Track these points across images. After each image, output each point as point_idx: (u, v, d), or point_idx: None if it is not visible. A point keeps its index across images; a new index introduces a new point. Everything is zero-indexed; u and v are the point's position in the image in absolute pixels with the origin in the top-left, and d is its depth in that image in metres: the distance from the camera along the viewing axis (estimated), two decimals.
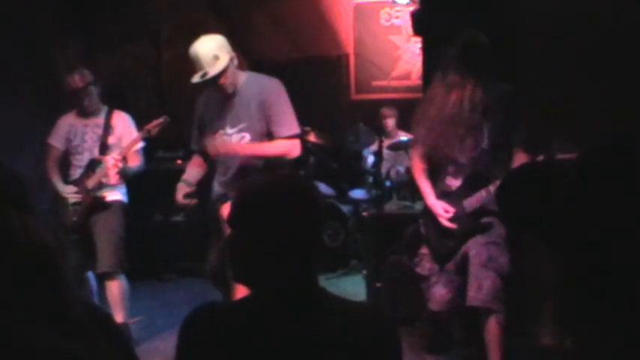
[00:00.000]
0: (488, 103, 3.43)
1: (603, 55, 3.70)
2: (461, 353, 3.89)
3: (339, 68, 8.31)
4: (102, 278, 4.36)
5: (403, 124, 6.81)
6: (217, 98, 3.77)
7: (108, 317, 1.73)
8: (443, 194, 3.59)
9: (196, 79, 3.63)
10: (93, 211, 4.36)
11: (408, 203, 5.68)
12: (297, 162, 3.77)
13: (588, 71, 3.73)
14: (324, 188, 6.97)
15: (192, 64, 3.63)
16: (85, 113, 4.47)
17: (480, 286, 3.33)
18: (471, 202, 3.46)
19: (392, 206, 5.62)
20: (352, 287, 5.86)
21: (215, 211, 3.78)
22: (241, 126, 3.70)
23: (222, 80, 3.63)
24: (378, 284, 4.77)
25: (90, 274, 4.45)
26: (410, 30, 5.85)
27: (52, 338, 1.37)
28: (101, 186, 4.36)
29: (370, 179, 6.67)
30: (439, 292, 3.58)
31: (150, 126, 4.31)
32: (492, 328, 3.35)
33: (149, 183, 5.42)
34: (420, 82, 6.38)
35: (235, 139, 3.72)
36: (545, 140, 3.16)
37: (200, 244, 3.96)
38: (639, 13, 3.59)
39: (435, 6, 4.36)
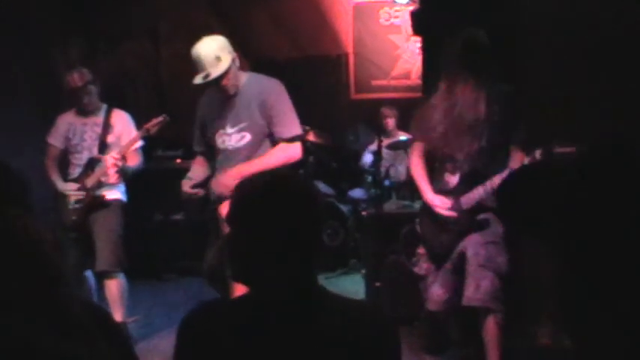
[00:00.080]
0: (488, 102, 3.43)
1: (603, 55, 3.70)
2: (459, 353, 3.89)
3: (338, 67, 8.30)
4: (101, 277, 4.36)
5: (403, 124, 6.80)
6: (218, 98, 3.77)
7: (107, 316, 1.73)
8: (441, 191, 3.59)
9: (198, 80, 3.62)
10: (92, 209, 4.36)
11: (407, 203, 5.69)
12: (297, 161, 3.76)
13: (588, 71, 3.73)
14: (323, 187, 6.97)
15: (193, 65, 3.63)
16: (85, 112, 4.47)
17: (478, 286, 3.33)
18: (468, 199, 3.46)
19: (391, 206, 5.63)
20: (351, 286, 5.86)
21: (214, 211, 3.77)
22: (241, 125, 3.69)
23: (224, 81, 3.63)
24: (377, 284, 4.77)
25: (89, 273, 4.45)
26: (409, 29, 5.86)
27: (52, 338, 1.37)
28: (100, 185, 4.36)
29: (369, 179, 6.67)
30: (436, 292, 3.58)
31: (149, 125, 4.31)
32: (491, 328, 3.35)
33: (148, 182, 5.42)
34: (419, 81, 6.39)
35: (235, 139, 3.71)
36: (545, 140, 3.16)
37: (199, 243, 3.95)
38: (639, 13, 3.59)
39: (435, 5, 4.37)
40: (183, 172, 4.01)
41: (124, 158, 4.28)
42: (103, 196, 4.38)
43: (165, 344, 4.21)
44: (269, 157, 3.63)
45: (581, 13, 3.72)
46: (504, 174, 3.29)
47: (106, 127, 4.45)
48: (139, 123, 4.46)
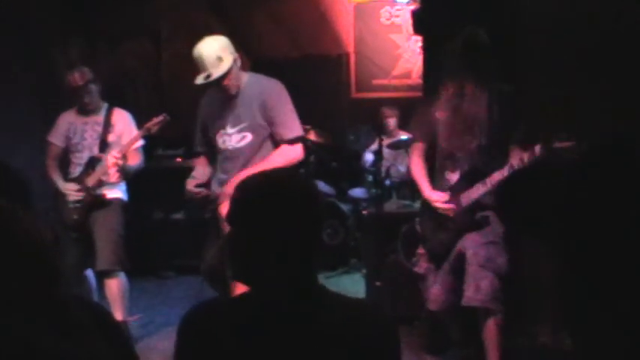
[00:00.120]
0: (488, 101, 3.43)
1: (603, 55, 3.69)
2: (459, 353, 3.88)
3: (339, 67, 8.30)
4: (101, 276, 4.36)
5: (404, 124, 6.81)
6: (219, 98, 3.77)
7: (107, 315, 1.73)
8: (441, 190, 3.60)
9: (200, 80, 3.62)
10: (93, 208, 4.36)
11: (407, 202, 5.68)
12: (298, 161, 3.76)
13: (588, 71, 3.72)
14: (323, 187, 6.97)
15: (195, 65, 3.63)
16: (85, 111, 4.47)
17: (478, 287, 3.32)
18: (467, 197, 3.46)
19: (392, 205, 5.63)
20: (352, 286, 5.86)
21: (214, 210, 3.77)
22: (242, 126, 3.69)
23: (225, 82, 3.63)
24: (378, 283, 4.77)
25: (89, 272, 4.45)
26: (410, 29, 5.84)
27: (52, 338, 1.37)
28: (101, 184, 4.36)
29: (370, 178, 6.67)
30: (436, 292, 3.58)
31: (149, 124, 4.31)
32: (490, 328, 3.35)
33: (149, 181, 5.42)
34: (420, 80, 6.39)
35: (236, 139, 3.71)
36: (544, 137, 3.16)
37: (200, 242, 3.95)
38: (639, 13, 3.58)
39: (436, 5, 4.36)
40: (183, 171, 4.01)
41: (124, 157, 4.28)
42: (104, 195, 4.39)
43: (166, 343, 4.21)
44: (269, 163, 3.59)
45: (581, 13, 3.72)
46: (504, 170, 3.28)
47: (107, 126, 4.45)
48: (140, 123, 4.46)
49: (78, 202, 4.35)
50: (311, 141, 6.57)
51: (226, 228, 1.71)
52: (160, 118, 4.31)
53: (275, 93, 3.71)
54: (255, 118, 3.67)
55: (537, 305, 3.84)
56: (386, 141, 6.53)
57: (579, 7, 3.74)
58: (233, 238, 1.63)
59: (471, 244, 3.41)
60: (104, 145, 4.41)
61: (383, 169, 6.02)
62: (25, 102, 5.62)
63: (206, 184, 3.84)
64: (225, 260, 2.60)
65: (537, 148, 3.13)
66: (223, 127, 3.75)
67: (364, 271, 5.29)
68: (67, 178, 4.46)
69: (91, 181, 4.35)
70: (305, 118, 3.95)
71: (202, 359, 1.62)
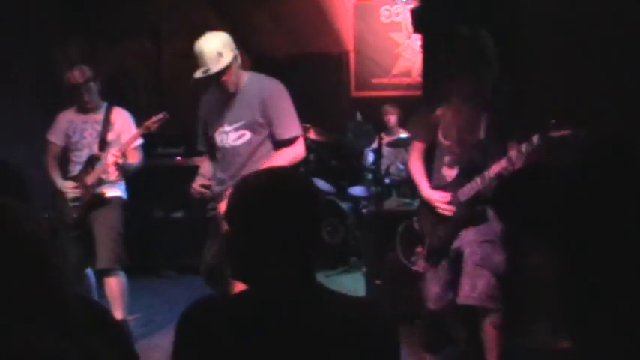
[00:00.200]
0: (488, 100, 3.43)
1: (603, 55, 3.69)
2: (459, 351, 3.89)
3: (339, 65, 8.31)
4: (101, 274, 4.36)
5: (404, 121, 6.82)
6: (219, 97, 3.77)
7: (107, 314, 1.73)
8: (438, 187, 3.60)
9: (198, 74, 3.62)
10: (92, 207, 4.36)
11: (407, 200, 5.68)
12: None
13: (588, 71, 3.72)
14: (323, 185, 6.97)
15: (195, 60, 3.63)
16: (85, 109, 4.46)
17: (475, 285, 3.32)
18: (466, 192, 3.46)
19: (391, 203, 5.63)
20: (352, 284, 5.87)
21: (214, 209, 3.77)
22: (239, 124, 3.69)
23: (224, 77, 3.63)
24: (378, 281, 4.77)
25: (89, 271, 4.45)
26: (410, 27, 5.85)
27: (52, 338, 1.37)
28: (100, 182, 4.36)
29: (370, 176, 6.67)
30: (434, 290, 3.58)
31: (149, 122, 4.31)
32: (489, 327, 3.36)
33: (149, 179, 5.41)
34: (420, 79, 6.39)
35: (233, 137, 3.71)
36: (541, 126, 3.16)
37: (200, 240, 3.95)
38: (639, 13, 3.58)
39: (435, 3, 4.36)
40: (183, 169, 4.02)
41: (124, 156, 4.28)
42: (103, 194, 4.39)
43: (166, 341, 4.18)
44: (270, 165, 3.50)
45: (581, 13, 3.71)
46: (502, 162, 3.27)
47: (106, 124, 4.45)
48: (140, 122, 4.45)
49: (77, 200, 4.35)
50: (311, 139, 6.57)
51: (225, 227, 1.71)
52: (160, 116, 4.31)
53: (275, 92, 3.70)
54: (255, 116, 3.67)
55: (537, 305, 3.85)
56: (386, 139, 6.55)
57: (579, 7, 3.73)
58: (231, 237, 1.63)
59: (468, 243, 3.41)
60: (104, 144, 4.41)
61: (383, 168, 6.03)
62: (25, 102, 5.63)
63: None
64: (225, 259, 2.59)
65: (535, 139, 3.13)
66: (221, 125, 3.75)
67: (364, 269, 5.28)
68: (66, 176, 4.46)
69: (90, 179, 4.35)
70: (305, 117, 3.95)
71: (200, 357, 1.61)
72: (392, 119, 7.16)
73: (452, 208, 3.49)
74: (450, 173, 3.58)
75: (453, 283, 3.49)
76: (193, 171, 4.01)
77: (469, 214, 3.48)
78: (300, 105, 3.78)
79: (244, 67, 3.81)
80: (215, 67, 3.57)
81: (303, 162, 6.48)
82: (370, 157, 7.03)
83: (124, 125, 4.48)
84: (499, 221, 3.46)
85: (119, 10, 6.97)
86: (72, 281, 4.24)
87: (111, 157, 4.21)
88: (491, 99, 3.43)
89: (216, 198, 3.74)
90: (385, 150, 6.32)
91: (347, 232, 6.74)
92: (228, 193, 3.42)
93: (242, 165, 3.67)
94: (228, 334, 1.58)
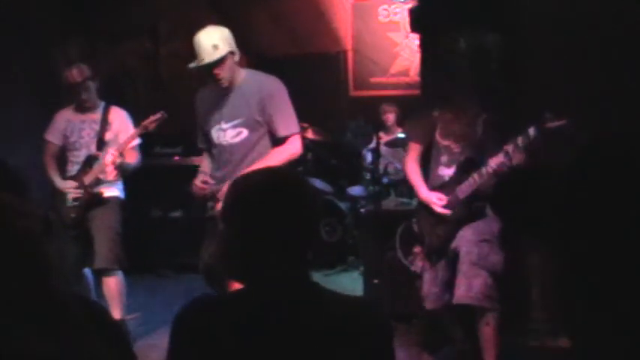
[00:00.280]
0: (487, 100, 3.44)
1: (603, 55, 3.69)
2: (457, 351, 3.89)
3: (337, 65, 8.30)
4: (99, 274, 4.36)
5: (402, 121, 6.83)
6: (216, 94, 3.76)
7: (105, 314, 1.73)
8: (436, 186, 3.60)
9: (193, 64, 3.64)
10: (90, 207, 4.36)
11: (405, 200, 5.68)
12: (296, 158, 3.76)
13: (588, 71, 3.72)
14: (321, 185, 6.96)
15: (194, 52, 3.65)
16: (83, 109, 4.46)
17: (470, 285, 3.32)
18: (464, 189, 3.46)
19: (389, 203, 5.63)
20: (350, 284, 5.87)
21: (212, 208, 3.76)
22: (237, 121, 3.68)
23: (217, 70, 3.61)
24: (376, 281, 4.77)
25: (87, 271, 4.44)
26: (408, 27, 5.84)
27: (52, 338, 1.37)
28: (98, 182, 4.36)
29: (368, 176, 6.67)
30: (432, 290, 3.59)
31: (147, 122, 4.31)
32: (486, 327, 3.36)
33: (147, 179, 5.41)
34: (418, 78, 6.39)
35: (230, 135, 3.70)
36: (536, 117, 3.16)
37: (198, 240, 3.94)
38: (639, 13, 3.58)
39: (433, 3, 4.36)
40: (181, 169, 4.01)
41: (122, 155, 4.27)
42: (101, 194, 4.38)
43: (164, 341, 4.14)
44: (267, 162, 3.52)
45: (581, 13, 3.71)
46: (500, 157, 3.27)
47: (104, 124, 4.44)
48: (138, 121, 4.45)
49: (75, 200, 4.35)
50: (309, 139, 6.57)
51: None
52: (158, 115, 4.31)
53: (274, 90, 3.70)
54: (252, 114, 3.66)
55: (536, 305, 3.85)
56: (385, 138, 6.55)
57: (579, 7, 3.73)
58: (228, 236, 1.62)
59: (465, 242, 3.41)
60: (101, 144, 4.40)
61: (381, 167, 6.03)
62: (25, 102, 5.62)
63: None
64: (220, 258, 2.58)
65: (531, 130, 3.13)
66: (218, 123, 3.74)
67: (362, 268, 5.28)
68: (64, 176, 4.46)
69: (88, 179, 4.35)
70: (303, 116, 3.94)
71: (196, 357, 1.61)
72: (390, 118, 7.18)
73: (448, 211, 3.49)
74: (447, 172, 3.58)
75: (450, 284, 3.49)
76: (191, 170, 4.00)
77: (468, 211, 3.48)
78: (299, 104, 3.78)
79: (241, 65, 3.80)
80: (208, 58, 3.58)
81: (302, 161, 6.51)
82: (368, 157, 7.03)
83: (121, 125, 4.47)
84: (498, 220, 3.46)
85: (119, 10, 6.97)
86: (70, 281, 4.23)
87: (109, 156, 4.20)
88: (490, 101, 3.44)
89: (215, 196, 3.74)
90: (383, 149, 6.33)
91: (345, 232, 6.74)
92: (223, 191, 3.48)
93: (239, 162, 3.67)
94: (226, 334, 1.57)
